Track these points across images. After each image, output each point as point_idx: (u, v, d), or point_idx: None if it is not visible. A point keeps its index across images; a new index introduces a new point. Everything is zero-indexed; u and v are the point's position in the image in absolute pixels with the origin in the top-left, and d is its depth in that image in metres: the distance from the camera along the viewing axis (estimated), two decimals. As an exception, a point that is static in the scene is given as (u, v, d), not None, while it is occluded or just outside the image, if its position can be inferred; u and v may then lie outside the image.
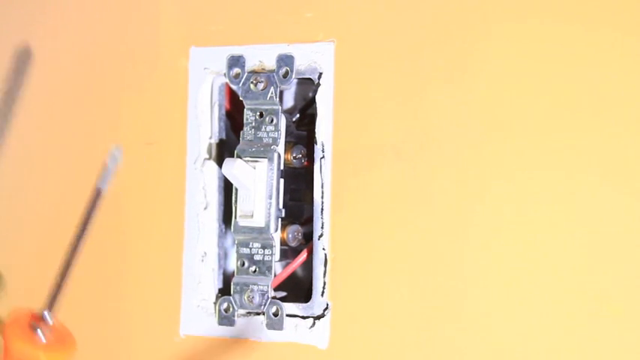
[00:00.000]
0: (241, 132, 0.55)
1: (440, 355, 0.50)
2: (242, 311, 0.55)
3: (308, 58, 0.54)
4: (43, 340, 0.45)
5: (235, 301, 0.54)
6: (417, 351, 0.51)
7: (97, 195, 0.45)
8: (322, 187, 0.53)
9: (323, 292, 0.53)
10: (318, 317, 0.53)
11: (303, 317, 0.54)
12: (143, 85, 0.59)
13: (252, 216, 0.53)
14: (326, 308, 0.53)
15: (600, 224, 0.48)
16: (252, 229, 0.54)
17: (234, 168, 0.52)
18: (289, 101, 0.58)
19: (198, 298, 0.56)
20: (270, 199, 0.53)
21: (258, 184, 0.53)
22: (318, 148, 0.53)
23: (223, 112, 0.58)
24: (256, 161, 0.53)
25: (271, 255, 0.54)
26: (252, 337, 0.55)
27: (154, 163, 0.58)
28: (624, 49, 0.48)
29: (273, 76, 0.54)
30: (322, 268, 0.53)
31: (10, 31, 0.63)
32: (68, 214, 0.61)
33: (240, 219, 0.54)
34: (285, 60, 0.54)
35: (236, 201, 0.54)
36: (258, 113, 0.54)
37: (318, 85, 0.54)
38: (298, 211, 0.56)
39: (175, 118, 0.57)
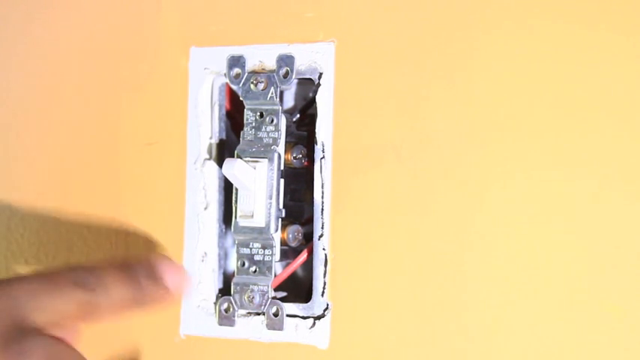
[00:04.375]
0: (241, 132, 0.55)
1: (440, 355, 0.50)
2: (242, 311, 0.55)
3: (308, 58, 0.54)
4: None
5: (235, 301, 0.54)
6: (417, 351, 0.51)
7: None
8: (322, 187, 0.53)
9: (323, 292, 0.53)
10: (319, 317, 0.53)
11: (304, 317, 0.54)
12: (143, 85, 0.59)
13: (252, 216, 0.53)
14: (326, 308, 0.53)
15: (601, 225, 0.48)
16: (252, 229, 0.54)
17: (234, 168, 0.52)
18: (289, 101, 0.58)
19: (198, 298, 0.56)
20: (271, 199, 0.53)
21: (259, 184, 0.53)
22: (318, 148, 0.53)
23: (223, 112, 0.58)
24: (256, 161, 0.53)
25: (271, 255, 0.54)
26: (252, 337, 0.55)
27: (154, 163, 0.58)
28: (624, 49, 0.48)
29: (274, 77, 0.54)
30: (322, 268, 0.53)
31: (9, 31, 0.63)
32: (68, 215, 0.61)
33: (240, 219, 0.54)
34: (286, 60, 0.54)
35: (236, 201, 0.54)
36: (259, 113, 0.54)
37: (319, 85, 0.54)
38: (298, 211, 0.56)
39: (175, 118, 0.57)
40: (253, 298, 0.54)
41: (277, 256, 0.54)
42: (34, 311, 0.44)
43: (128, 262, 0.48)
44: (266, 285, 0.54)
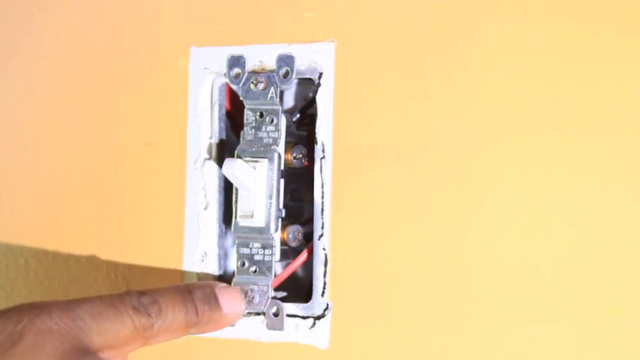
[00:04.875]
0: (241, 132, 0.55)
1: (440, 355, 0.50)
2: (242, 311, 0.55)
3: (308, 58, 0.54)
4: None
5: (235, 301, 0.54)
6: (417, 351, 0.51)
7: None
8: (322, 187, 0.53)
9: (323, 292, 0.53)
10: (319, 317, 0.53)
11: (304, 317, 0.54)
12: (143, 85, 0.59)
13: (252, 216, 0.53)
14: (326, 308, 0.53)
15: (601, 224, 0.48)
16: (252, 229, 0.54)
17: (234, 168, 0.52)
18: (289, 101, 0.58)
19: (198, 298, 0.56)
20: (271, 199, 0.53)
21: (259, 184, 0.53)
22: (318, 148, 0.53)
23: (223, 112, 0.58)
24: (256, 161, 0.53)
25: (271, 255, 0.54)
26: (252, 337, 0.55)
27: (154, 163, 0.58)
28: (624, 49, 0.48)
29: (274, 76, 0.54)
30: (322, 268, 0.53)
31: (10, 31, 0.63)
32: (68, 215, 0.61)
33: (240, 219, 0.54)
34: (286, 60, 0.54)
35: (236, 201, 0.54)
36: (259, 113, 0.54)
37: (319, 85, 0.54)
38: (298, 211, 0.56)
39: (175, 118, 0.57)
40: (253, 298, 0.54)
41: (277, 256, 0.54)
42: (95, 334, 0.46)
43: (187, 286, 0.50)
44: (266, 285, 0.54)
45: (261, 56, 0.55)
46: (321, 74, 0.53)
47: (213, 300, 0.50)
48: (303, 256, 0.54)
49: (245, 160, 0.53)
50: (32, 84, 0.62)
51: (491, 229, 0.50)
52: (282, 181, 0.54)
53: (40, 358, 0.44)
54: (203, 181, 0.57)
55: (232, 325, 0.54)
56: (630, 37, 0.48)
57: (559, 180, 0.48)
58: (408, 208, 0.51)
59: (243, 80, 0.55)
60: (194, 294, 0.50)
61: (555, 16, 0.49)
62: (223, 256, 0.58)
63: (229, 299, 0.51)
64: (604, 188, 0.48)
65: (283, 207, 0.54)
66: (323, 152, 0.53)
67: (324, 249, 0.53)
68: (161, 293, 0.49)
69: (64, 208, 0.61)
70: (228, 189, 0.57)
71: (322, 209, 0.53)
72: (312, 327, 0.53)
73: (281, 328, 0.54)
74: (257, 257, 0.54)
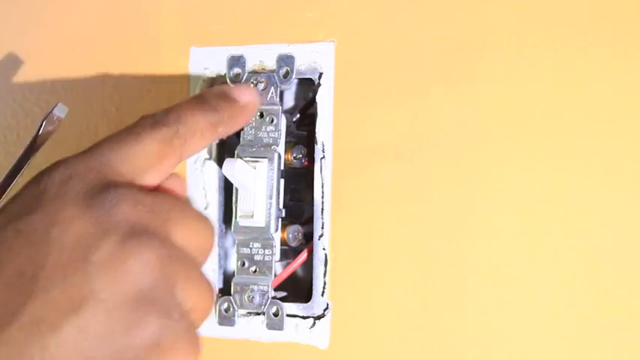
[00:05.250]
0: (241, 132, 0.55)
1: (440, 355, 0.50)
2: (242, 311, 0.55)
3: (308, 58, 0.54)
4: None
5: (235, 301, 0.54)
6: (417, 351, 0.51)
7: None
8: (322, 187, 0.53)
9: (323, 292, 0.53)
10: (319, 317, 0.53)
11: (304, 317, 0.54)
12: (143, 85, 0.59)
13: (252, 216, 0.53)
14: (326, 308, 0.53)
15: (600, 224, 0.48)
16: (252, 229, 0.54)
17: (234, 168, 0.52)
18: (289, 101, 0.58)
19: (198, 298, 0.56)
20: (271, 199, 0.53)
21: (259, 184, 0.53)
22: (318, 148, 0.53)
23: (223, 112, 0.58)
24: (256, 161, 0.53)
25: (271, 255, 0.54)
26: (252, 337, 0.55)
27: (154, 163, 0.58)
28: (624, 52, 0.48)
29: (274, 76, 0.54)
30: (322, 268, 0.53)
31: (9, 31, 0.63)
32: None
33: (240, 219, 0.54)
34: (286, 60, 0.54)
35: (236, 201, 0.54)
36: (259, 113, 0.54)
37: (319, 85, 0.54)
38: (298, 211, 0.56)
39: (175, 118, 0.57)
40: (253, 297, 0.54)
41: (277, 256, 0.54)
42: (119, 164, 0.42)
43: (200, 93, 0.48)
44: (266, 285, 0.54)
45: (261, 56, 0.55)
46: (321, 74, 0.54)
47: (227, 96, 0.48)
48: (303, 256, 0.54)
49: (245, 160, 0.53)
50: (32, 83, 0.62)
51: (491, 229, 0.50)
52: (282, 181, 0.54)
53: (64, 207, 0.41)
54: (203, 181, 0.57)
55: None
56: (630, 40, 0.48)
57: (559, 180, 0.48)
58: (407, 207, 0.51)
59: (243, 80, 0.55)
60: (206, 96, 0.48)
61: (555, 17, 0.49)
62: (223, 256, 0.58)
63: (242, 91, 0.49)
64: (604, 188, 0.48)
65: (283, 207, 0.54)
66: (323, 152, 0.53)
67: (324, 249, 0.53)
68: (174, 105, 0.46)
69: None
70: (228, 189, 0.57)
71: (322, 209, 0.53)
72: (312, 327, 0.53)
73: (281, 328, 0.54)
74: (257, 257, 0.54)
